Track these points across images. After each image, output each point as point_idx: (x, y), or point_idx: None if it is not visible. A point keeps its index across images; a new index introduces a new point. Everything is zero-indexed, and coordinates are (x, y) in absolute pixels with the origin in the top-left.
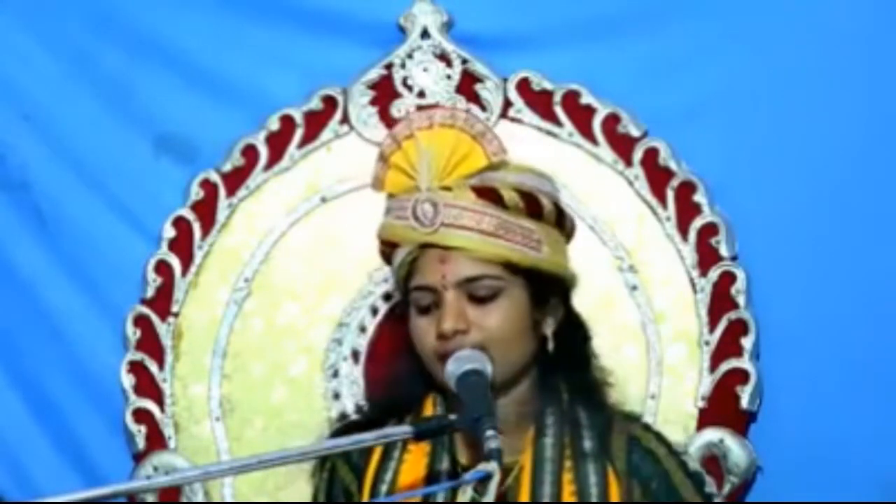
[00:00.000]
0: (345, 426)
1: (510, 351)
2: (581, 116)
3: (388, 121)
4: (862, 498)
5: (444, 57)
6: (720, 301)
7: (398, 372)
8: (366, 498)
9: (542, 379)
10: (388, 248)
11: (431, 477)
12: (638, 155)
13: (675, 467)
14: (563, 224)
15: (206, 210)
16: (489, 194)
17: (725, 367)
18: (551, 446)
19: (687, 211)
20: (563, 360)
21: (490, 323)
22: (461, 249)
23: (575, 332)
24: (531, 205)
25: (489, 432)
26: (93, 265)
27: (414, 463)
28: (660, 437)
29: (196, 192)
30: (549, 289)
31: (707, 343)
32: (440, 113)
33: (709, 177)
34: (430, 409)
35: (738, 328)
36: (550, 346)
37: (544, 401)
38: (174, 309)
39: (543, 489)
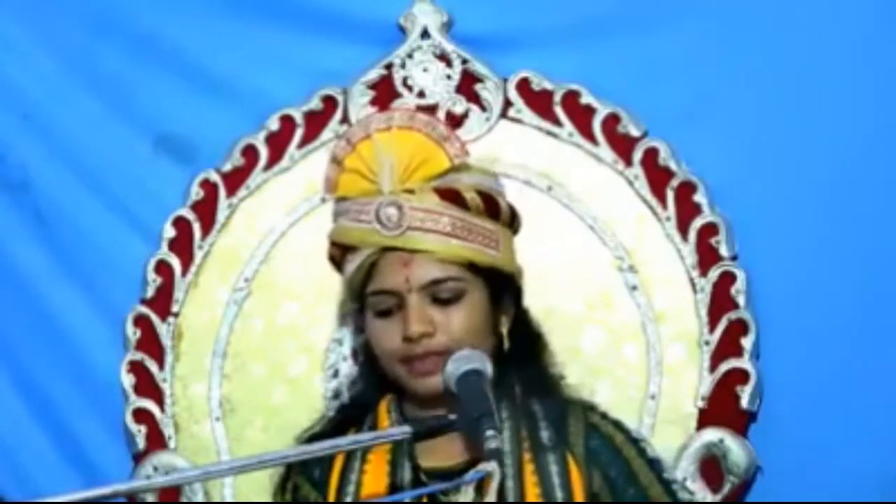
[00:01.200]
0: (309, 437)
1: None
2: (581, 116)
3: None
4: (862, 498)
5: (444, 57)
6: (720, 301)
7: (354, 376)
8: None
9: (497, 376)
10: (339, 252)
11: (395, 485)
12: (638, 155)
13: (634, 454)
14: (514, 224)
15: (206, 210)
16: (451, 196)
17: (725, 367)
18: (509, 439)
19: (687, 211)
20: (516, 357)
21: (455, 325)
22: (426, 252)
23: (527, 329)
24: (490, 205)
25: (489, 432)
26: (93, 265)
27: (375, 473)
28: (618, 425)
29: (196, 192)
30: (504, 287)
31: (707, 343)
32: (398, 115)
33: (709, 177)
34: (384, 412)
35: (738, 328)
36: (506, 344)
37: (499, 396)
38: (174, 309)
39: (507, 482)
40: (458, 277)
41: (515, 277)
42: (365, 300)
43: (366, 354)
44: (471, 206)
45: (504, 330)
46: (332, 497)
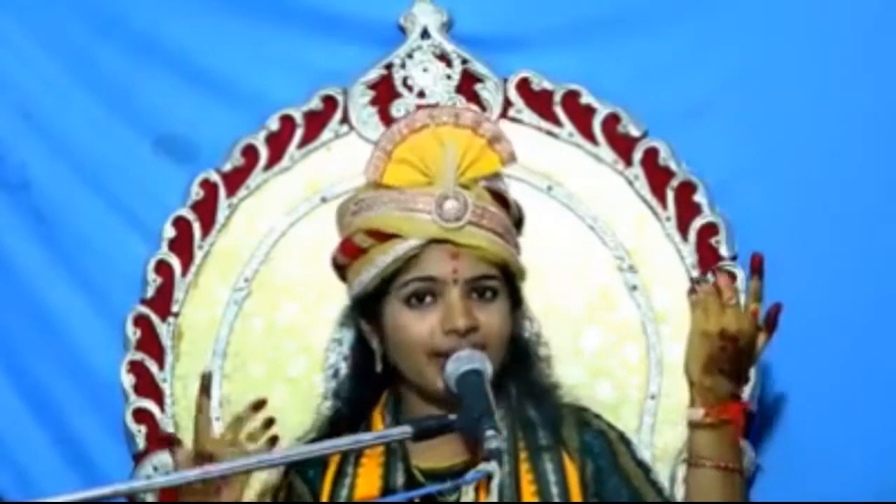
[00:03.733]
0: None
1: (502, 352)
2: (581, 116)
3: (389, 121)
4: (862, 498)
5: (444, 57)
6: None
7: (346, 378)
8: None
9: (494, 380)
10: (373, 240)
11: (389, 487)
12: (638, 155)
13: (623, 450)
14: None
15: (206, 210)
16: (500, 197)
17: None
18: (505, 439)
19: (687, 211)
20: (514, 363)
21: (493, 322)
22: (476, 248)
23: (525, 338)
24: (519, 213)
25: (489, 432)
26: (93, 265)
27: (368, 475)
28: (611, 425)
29: (196, 192)
30: (518, 295)
31: None
32: (451, 111)
33: (709, 177)
34: (378, 415)
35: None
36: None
37: (496, 401)
38: (174, 309)
39: (504, 481)
40: (497, 277)
41: (520, 295)
42: (390, 289)
43: (360, 353)
44: (512, 210)
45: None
46: (325, 497)
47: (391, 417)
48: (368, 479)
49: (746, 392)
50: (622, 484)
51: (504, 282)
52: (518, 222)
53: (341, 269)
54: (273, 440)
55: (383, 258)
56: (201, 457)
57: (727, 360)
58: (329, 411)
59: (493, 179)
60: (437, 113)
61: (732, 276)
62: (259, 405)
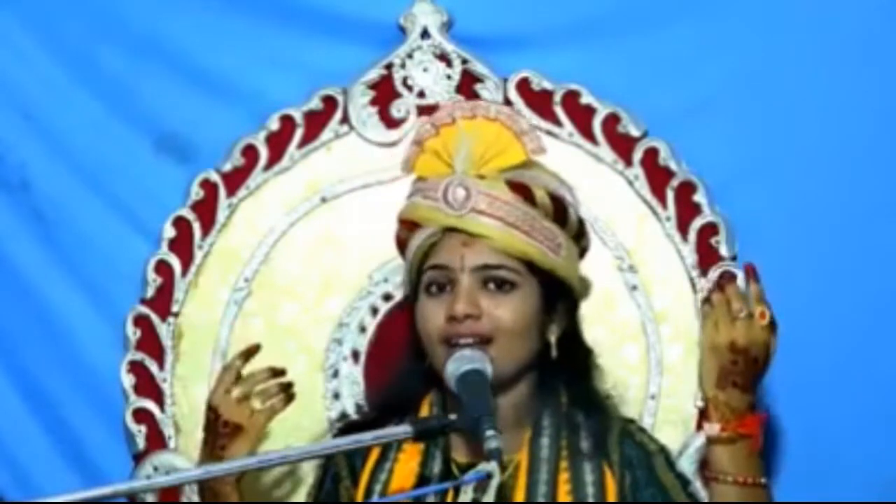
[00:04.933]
0: (346, 425)
1: (514, 346)
2: (581, 116)
3: (388, 121)
4: (862, 498)
5: (444, 57)
6: None
7: (398, 370)
8: (360, 498)
9: (541, 383)
10: (406, 230)
11: (424, 477)
12: (638, 155)
13: (661, 462)
14: (580, 240)
15: (206, 210)
16: (521, 189)
17: None
18: (548, 446)
19: (687, 211)
20: (564, 368)
21: (501, 314)
22: (485, 238)
23: (578, 344)
24: (558, 209)
25: (489, 432)
26: (93, 265)
27: (407, 463)
28: (652, 438)
29: (196, 192)
30: (559, 295)
31: None
32: (483, 105)
33: (709, 177)
34: (426, 408)
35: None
36: (554, 352)
37: (543, 403)
38: (174, 309)
39: (538, 488)
40: (513, 268)
41: (574, 289)
42: (420, 280)
43: (412, 348)
44: (539, 203)
45: (553, 338)
46: (363, 481)
47: (438, 409)
48: (407, 465)
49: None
50: (658, 494)
51: (529, 275)
52: (560, 220)
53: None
54: (289, 398)
55: (411, 247)
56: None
57: (739, 374)
58: (379, 397)
59: (520, 172)
60: (468, 106)
61: (734, 278)
62: (250, 353)
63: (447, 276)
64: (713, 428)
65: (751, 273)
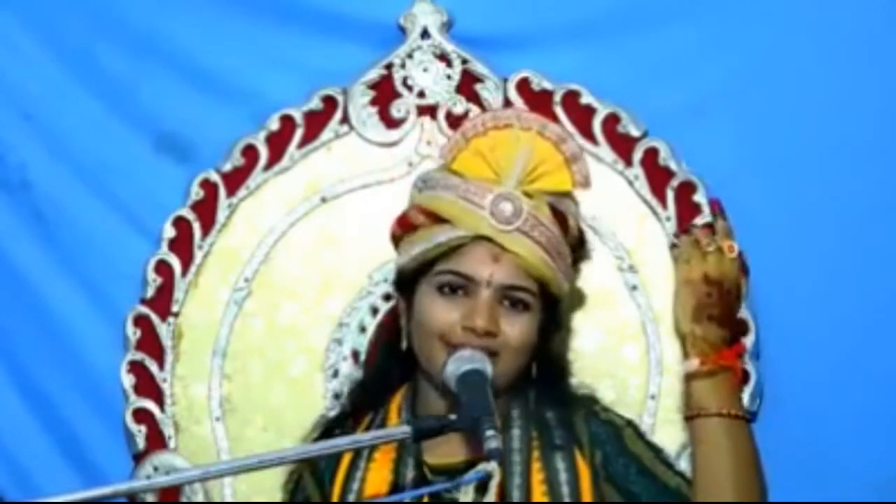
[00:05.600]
0: (326, 422)
1: (515, 363)
2: (581, 116)
3: (388, 121)
4: (862, 498)
5: (444, 57)
6: None
7: (375, 359)
8: None
9: (512, 386)
10: (425, 219)
11: (398, 484)
12: (638, 155)
13: (630, 434)
14: (577, 268)
15: (206, 210)
16: (560, 216)
17: None
18: (518, 438)
19: (687, 211)
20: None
21: (512, 332)
22: (518, 256)
23: (555, 355)
24: (581, 241)
25: (489, 432)
26: (93, 265)
27: (379, 471)
28: (619, 414)
29: (196, 192)
30: (553, 321)
31: None
32: (536, 118)
33: (709, 177)
34: (394, 409)
35: (738, 328)
36: (534, 371)
37: (511, 402)
38: (174, 309)
39: (513, 480)
40: (532, 291)
41: (561, 316)
42: (428, 271)
43: (395, 336)
44: (569, 234)
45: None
46: (336, 493)
47: (407, 413)
48: (379, 473)
49: (746, 392)
50: (629, 464)
51: (540, 299)
52: (577, 250)
53: (395, 241)
54: None
55: (429, 240)
56: None
57: (714, 305)
58: (350, 389)
59: (561, 198)
60: (525, 116)
61: (710, 227)
62: None
63: (468, 284)
64: (692, 364)
65: (717, 209)
